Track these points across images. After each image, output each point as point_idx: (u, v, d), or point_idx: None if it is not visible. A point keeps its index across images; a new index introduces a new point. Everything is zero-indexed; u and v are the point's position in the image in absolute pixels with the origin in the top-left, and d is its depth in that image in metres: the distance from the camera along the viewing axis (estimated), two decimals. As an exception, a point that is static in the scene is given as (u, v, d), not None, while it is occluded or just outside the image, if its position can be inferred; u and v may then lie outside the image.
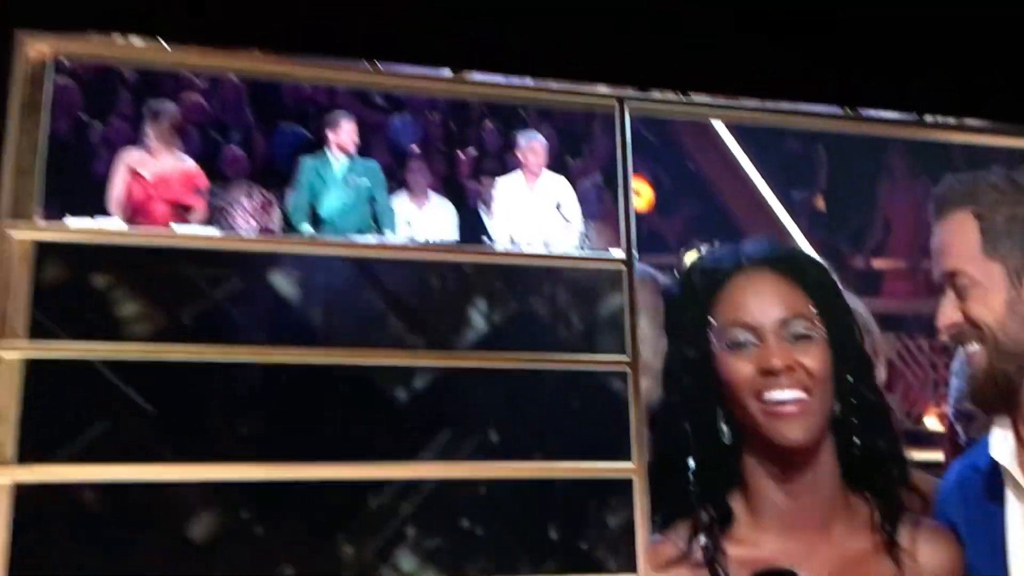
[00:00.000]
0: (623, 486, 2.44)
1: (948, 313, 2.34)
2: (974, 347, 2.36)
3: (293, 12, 2.47)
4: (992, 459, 2.41)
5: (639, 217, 2.71)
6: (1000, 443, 2.39)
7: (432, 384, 2.39)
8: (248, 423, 2.25)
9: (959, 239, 2.45)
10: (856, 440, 2.31)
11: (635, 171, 2.76)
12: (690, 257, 2.52)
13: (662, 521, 2.34)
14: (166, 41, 2.46)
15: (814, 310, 2.35)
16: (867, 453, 2.35)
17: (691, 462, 2.28)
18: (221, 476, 2.12)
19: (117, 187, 2.08)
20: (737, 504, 2.33)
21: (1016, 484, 2.29)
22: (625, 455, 2.50)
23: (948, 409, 2.77)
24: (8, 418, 2.14)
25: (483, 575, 2.28)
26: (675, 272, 2.54)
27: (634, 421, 2.50)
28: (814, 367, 2.28)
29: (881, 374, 2.63)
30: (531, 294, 2.57)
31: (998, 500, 2.37)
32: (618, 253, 2.62)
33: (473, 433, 2.39)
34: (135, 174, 2.47)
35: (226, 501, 2.18)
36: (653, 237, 2.64)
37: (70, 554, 2.13)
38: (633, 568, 2.38)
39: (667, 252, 2.60)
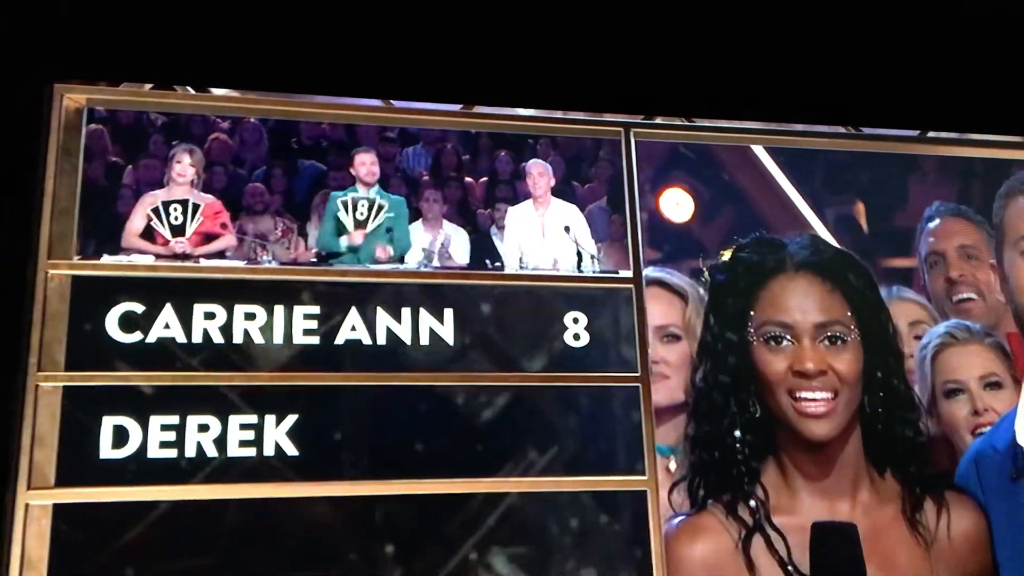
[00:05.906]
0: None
1: None
2: None
3: (314, 55, 2.61)
4: (1012, 440, 2.55)
5: (684, 226, 2.83)
6: None
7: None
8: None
9: None
10: (880, 428, 2.47)
11: (678, 183, 2.85)
12: (725, 255, 2.64)
13: (702, 497, 2.45)
14: (192, 88, 2.62)
15: (850, 314, 2.48)
16: (891, 438, 2.48)
17: (737, 433, 2.44)
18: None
19: (136, 227, 2.22)
20: (772, 474, 2.46)
21: None
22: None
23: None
24: (50, 444, 2.27)
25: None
26: (704, 271, 2.65)
27: (646, 435, 2.57)
28: (844, 371, 2.42)
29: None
30: (546, 313, 2.66)
31: (1018, 479, 2.51)
32: (627, 273, 2.73)
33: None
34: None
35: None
36: (696, 244, 2.74)
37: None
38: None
39: (708, 257, 2.72)
